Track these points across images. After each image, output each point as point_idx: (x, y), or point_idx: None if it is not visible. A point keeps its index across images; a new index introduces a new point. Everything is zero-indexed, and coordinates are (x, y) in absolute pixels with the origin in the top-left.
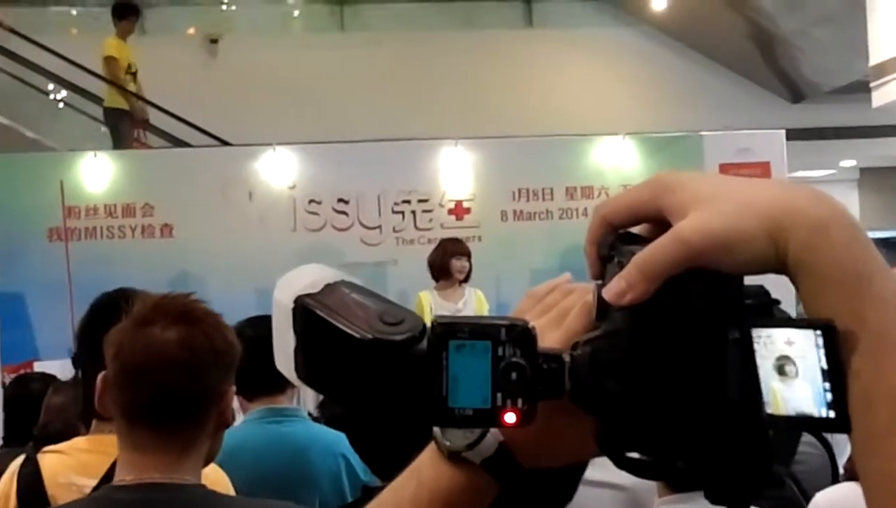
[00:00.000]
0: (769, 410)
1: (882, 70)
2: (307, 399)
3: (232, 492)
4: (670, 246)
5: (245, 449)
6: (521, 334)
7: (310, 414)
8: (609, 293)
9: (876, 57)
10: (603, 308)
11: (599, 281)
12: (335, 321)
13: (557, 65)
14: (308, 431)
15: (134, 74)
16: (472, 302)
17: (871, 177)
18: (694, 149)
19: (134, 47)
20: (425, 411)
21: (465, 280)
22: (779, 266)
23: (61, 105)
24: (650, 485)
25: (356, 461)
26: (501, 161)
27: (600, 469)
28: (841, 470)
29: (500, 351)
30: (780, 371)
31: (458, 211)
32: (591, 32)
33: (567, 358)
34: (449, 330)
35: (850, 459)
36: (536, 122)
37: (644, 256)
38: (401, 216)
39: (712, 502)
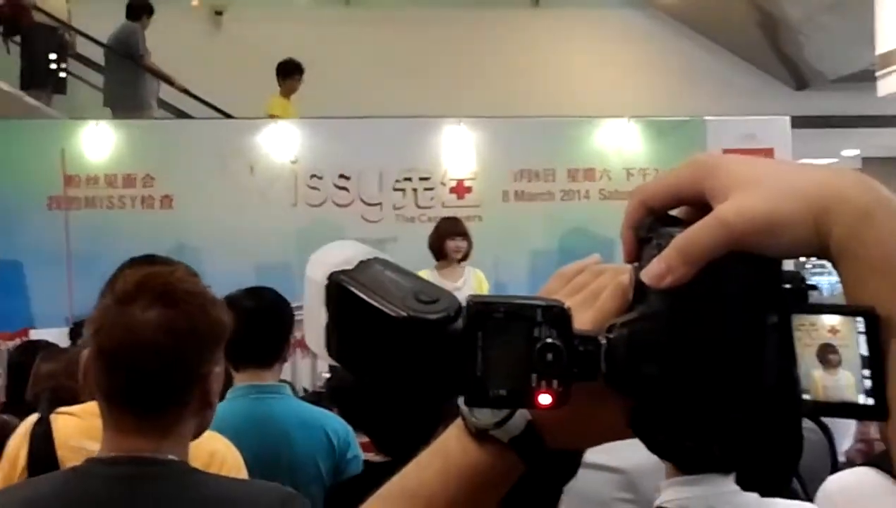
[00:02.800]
0: (808, 397)
1: (888, 59)
2: (302, 374)
3: (244, 469)
4: (712, 228)
5: (225, 429)
6: (557, 315)
7: (305, 390)
8: (648, 275)
9: (882, 46)
10: (640, 290)
11: (636, 264)
12: (370, 298)
13: (562, 45)
14: (290, 408)
15: None
16: (472, 282)
17: (873, 167)
18: (697, 134)
19: None
20: (459, 390)
21: (464, 258)
22: (821, 251)
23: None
24: (648, 468)
25: (341, 437)
26: (504, 141)
27: (597, 450)
28: (841, 458)
29: (535, 332)
30: (823, 359)
31: (460, 190)
32: (597, 13)
33: (603, 340)
34: (484, 309)
35: (851, 446)
36: (540, 103)
37: (685, 238)
38: (402, 193)
39: (744, 487)
